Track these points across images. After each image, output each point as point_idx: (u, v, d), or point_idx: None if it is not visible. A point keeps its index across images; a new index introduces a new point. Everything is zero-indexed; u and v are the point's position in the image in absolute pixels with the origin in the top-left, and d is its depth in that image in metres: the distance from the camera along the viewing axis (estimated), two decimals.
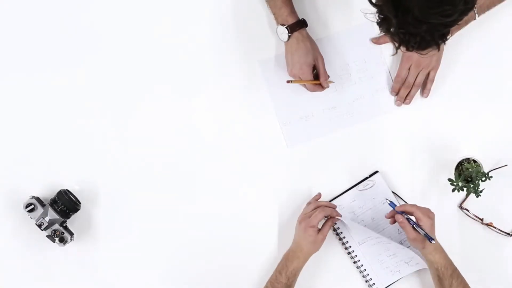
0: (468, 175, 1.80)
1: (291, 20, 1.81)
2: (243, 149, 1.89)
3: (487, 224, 1.86)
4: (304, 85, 1.87)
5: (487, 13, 1.83)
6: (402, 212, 1.73)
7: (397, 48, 1.42)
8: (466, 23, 1.82)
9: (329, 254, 1.86)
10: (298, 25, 1.81)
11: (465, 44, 1.89)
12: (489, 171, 1.81)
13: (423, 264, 1.80)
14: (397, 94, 1.90)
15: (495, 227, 1.86)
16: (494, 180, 1.78)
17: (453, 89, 1.90)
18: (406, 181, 1.88)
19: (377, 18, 1.39)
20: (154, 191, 1.88)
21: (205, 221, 1.88)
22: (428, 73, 1.88)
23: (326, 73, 1.84)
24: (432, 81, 1.88)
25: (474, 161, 1.83)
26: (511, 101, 1.90)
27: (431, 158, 1.88)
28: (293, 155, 1.90)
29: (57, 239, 1.80)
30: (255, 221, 1.88)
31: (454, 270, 1.73)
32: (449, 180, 1.75)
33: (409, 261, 1.84)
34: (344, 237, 1.86)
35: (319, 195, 1.87)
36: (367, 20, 1.43)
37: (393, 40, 1.40)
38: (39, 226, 1.79)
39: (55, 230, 1.80)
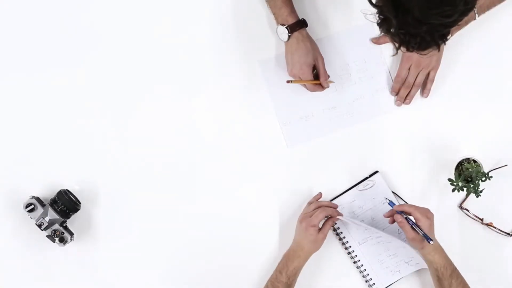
0: (468, 175, 1.80)
1: (291, 20, 1.81)
2: (243, 149, 1.89)
3: (487, 224, 1.86)
4: (304, 85, 1.87)
5: (487, 13, 1.83)
6: (401, 212, 1.73)
7: (397, 49, 1.42)
8: (466, 23, 1.82)
9: (329, 254, 1.86)
10: (298, 25, 1.81)
11: (465, 44, 1.89)
12: (489, 171, 1.81)
13: (423, 264, 1.80)
14: (397, 94, 1.90)
15: (495, 227, 1.86)
16: (494, 180, 1.78)
17: (453, 89, 1.90)
18: (406, 181, 1.88)
19: (377, 18, 1.39)
20: (154, 191, 1.88)
21: (205, 221, 1.88)
22: (428, 73, 1.88)
23: (326, 73, 1.84)
24: (432, 81, 1.88)
25: (474, 161, 1.83)
26: (511, 101, 1.90)
27: (431, 158, 1.88)
28: (293, 155, 1.90)
29: (57, 239, 1.80)
30: (255, 221, 1.88)
31: (454, 270, 1.73)
32: (449, 180, 1.76)
33: (409, 261, 1.84)
34: (344, 237, 1.86)
35: (320, 194, 1.87)
36: (367, 20, 1.43)
37: (393, 40, 1.40)
38: (39, 226, 1.79)
39: (55, 230, 1.80)
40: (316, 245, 1.79)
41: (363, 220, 1.86)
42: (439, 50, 1.42)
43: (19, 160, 1.89)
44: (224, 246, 1.88)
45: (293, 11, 1.83)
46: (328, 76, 1.85)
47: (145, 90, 1.90)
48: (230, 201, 1.88)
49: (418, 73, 1.87)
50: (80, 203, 1.85)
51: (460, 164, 1.83)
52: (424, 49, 1.40)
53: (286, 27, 1.80)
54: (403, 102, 1.90)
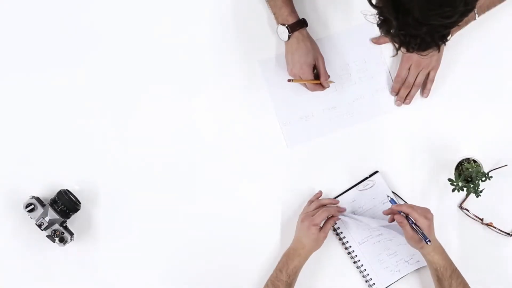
0: (468, 175, 1.80)
1: (291, 20, 1.81)
2: (243, 149, 1.89)
3: (487, 224, 1.86)
4: (305, 85, 1.86)
5: (487, 13, 1.83)
6: (400, 212, 1.73)
7: (398, 49, 1.42)
8: (466, 23, 1.82)
9: (329, 254, 1.86)
10: (298, 25, 1.81)
11: (465, 44, 1.89)
12: (489, 171, 1.81)
13: (424, 262, 1.80)
14: (397, 94, 1.90)
15: (495, 227, 1.86)
16: (494, 180, 1.78)
17: (453, 89, 1.90)
18: (406, 181, 1.88)
19: (378, 19, 1.39)
20: (154, 191, 1.88)
21: (205, 221, 1.88)
22: (428, 73, 1.87)
23: (327, 72, 1.84)
24: (432, 81, 1.88)
25: (474, 161, 1.83)
26: (511, 101, 1.90)
27: (431, 158, 1.88)
28: (293, 155, 1.90)
29: (57, 239, 1.80)
30: (255, 221, 1.88)
31: (454, 271, 1.73)
32: (449, 180, 1.76)
33: (409, 259, 1.84)
34: (344, 237, 1.86)
35: (320, 193, 1.87)
36: (367, 20, 1.43)
37: (393, 41, 1.40)
38: (39, 226, 1.80)
39: (55, 230, 1.80)
40: (317, 243, 1.79)
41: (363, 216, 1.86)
42: (439, 51, 1.42)
43: (19, 160, 1.89)
44: (224, 246, 1.88)
45: (293, 11, 1.83)
46: (329, 76, 1.85)
47: (145, 90, 1.90)
48: (230, 201, 1.88)
49: (418, 73, 1.87)
50: (80, 203, 1.85)
51: (460, 164, 1.83)
52: (424, 50, 1.40)
53: (287, 27, 1.80)
54: (403, 102, 1.90)
